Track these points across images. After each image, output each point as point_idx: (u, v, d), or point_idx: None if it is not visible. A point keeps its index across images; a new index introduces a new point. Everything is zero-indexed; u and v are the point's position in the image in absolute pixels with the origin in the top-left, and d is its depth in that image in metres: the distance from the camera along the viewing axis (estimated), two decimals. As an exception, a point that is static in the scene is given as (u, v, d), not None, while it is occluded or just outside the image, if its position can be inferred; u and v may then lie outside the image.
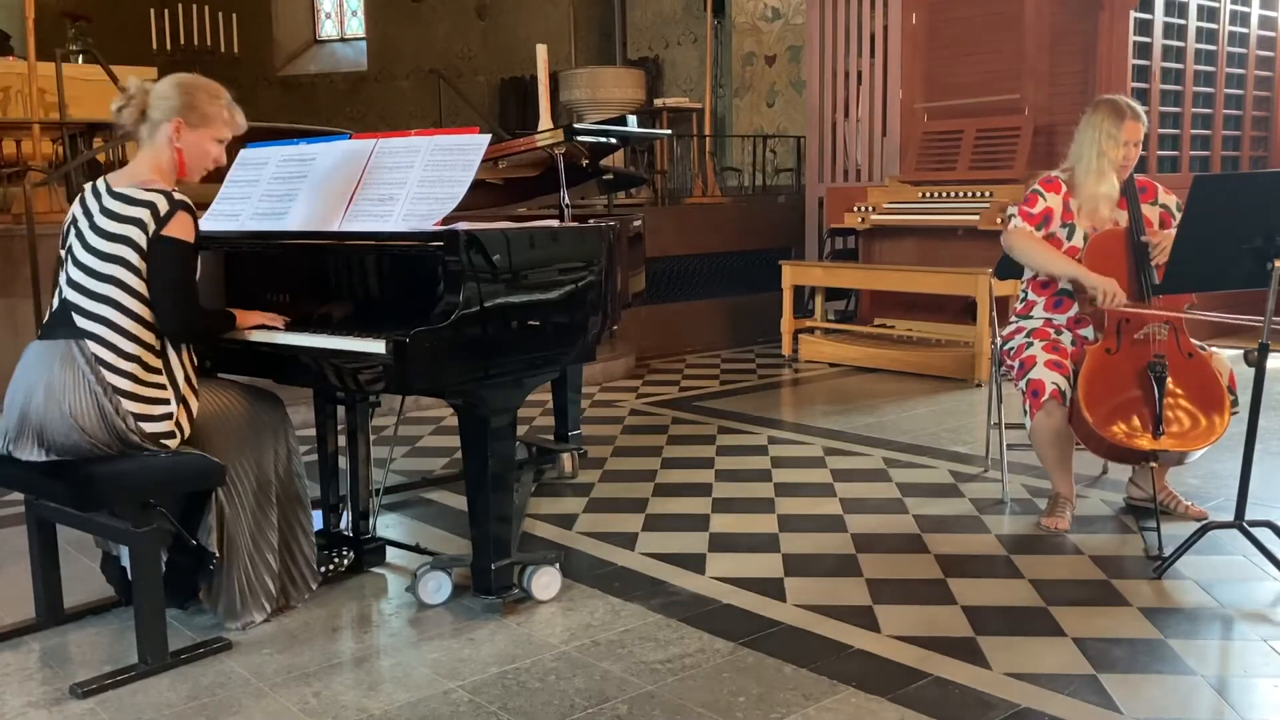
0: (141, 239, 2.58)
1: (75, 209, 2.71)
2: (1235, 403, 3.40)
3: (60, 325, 2.62)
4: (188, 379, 2.70)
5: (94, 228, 2.63)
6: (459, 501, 3.83)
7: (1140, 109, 3.55)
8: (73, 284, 2.62)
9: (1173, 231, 3.49)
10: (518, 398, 2.89)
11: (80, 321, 2.59)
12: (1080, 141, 3.56)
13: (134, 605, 2.61)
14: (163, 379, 2.64)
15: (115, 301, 2.58)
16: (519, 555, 3.04)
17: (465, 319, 2.61)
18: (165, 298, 2.61)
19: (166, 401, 2.63)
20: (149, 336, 2.62)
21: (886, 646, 2.65)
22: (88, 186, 2.72)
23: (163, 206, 2.59)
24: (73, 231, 2.68)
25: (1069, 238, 3.57)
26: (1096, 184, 3.52)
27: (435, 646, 2.71)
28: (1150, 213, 3.57)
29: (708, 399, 5.85)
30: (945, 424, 5.06)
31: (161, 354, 2.64)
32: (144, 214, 2.59)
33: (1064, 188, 3.60)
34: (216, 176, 3.00)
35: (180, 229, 2.61)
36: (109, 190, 2.66)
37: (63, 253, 2.69)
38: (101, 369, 2.56)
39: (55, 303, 2.68)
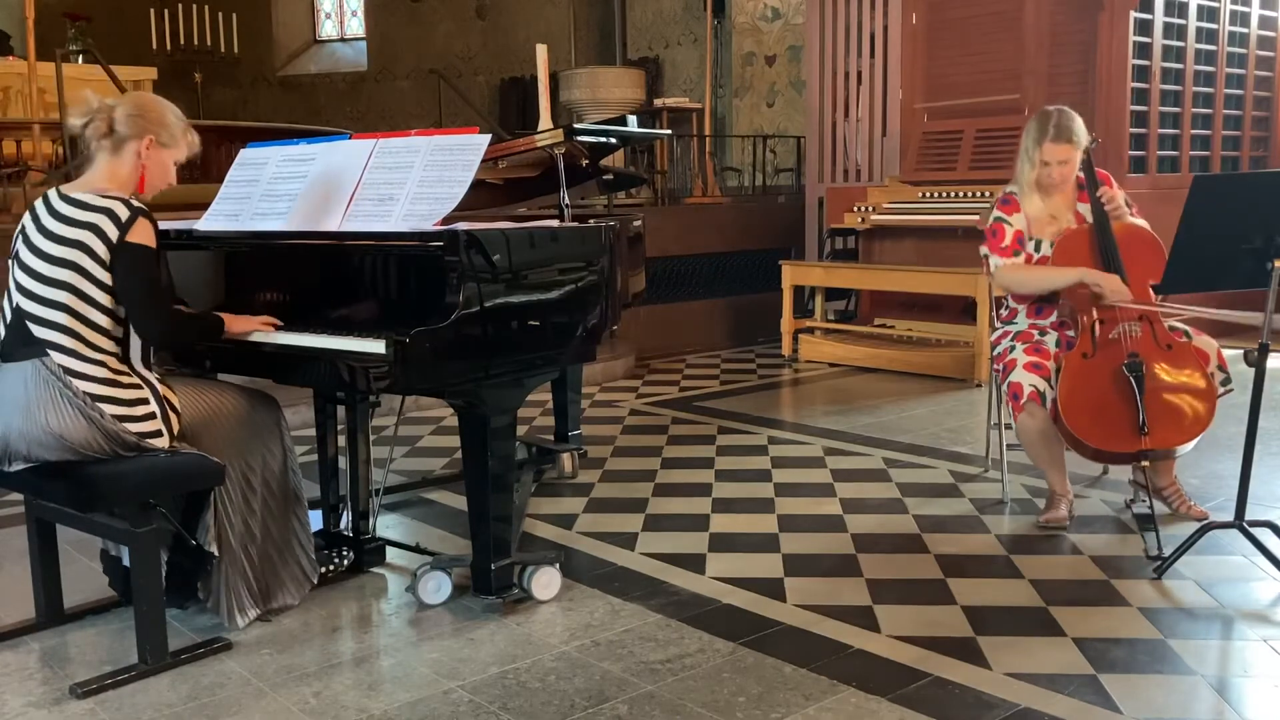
0: (99, 246, 2.53)
1: (25, 218, 2.66)
2: (1227, 380, 3.39)
3: (19, 344, 2.56)
4: (160, 379, 2.68)
5: (44, 231, 2.57)
6: (459, 501, 3.83)
7: (1069, 126, 3.45)
8: (23, 291, 2.57)
9: (1119, 194, 3.51)
10: (518, 398, 2.89)
11: (38, 331, 2.54)
12: (1019, 157, 3.58)
13: (134, 605, 2.61)
14: (135, 379, 2.61)
15: (69, 308, 2.53)
16: (519, 555, 3.04)
17: (465, 319, 2.61)
18: (136, 306, 2.58)
19: (146, 401, 2.60)
20: (109, 342, 2.58)
21: (886, 646, 2.65)
22: (39, 199, 2.67)
23: (123, 213, 2.55)
24: (20, 238, 2.63)
25: (1037, 250, 3.57)
26: (1032, 201, 3.55)
27: (435, 646, 2.71)
28: (1085, 210, 3.57)
29: (708, 399, 5.85)
30: (945, 424, 5.06)
31: (125, 358, 2.61)
32: (102, 220, 2.54)
33: (1020, 203, 3.60)
34: (217, 177, 3.00)
35: (143, 235, 2.56)
36: (61, 196, 2.61)
37: (10, 261, 2.63)
38: (72, 379, 2.52)
39: (9, 315, 2.61)
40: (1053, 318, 3.62)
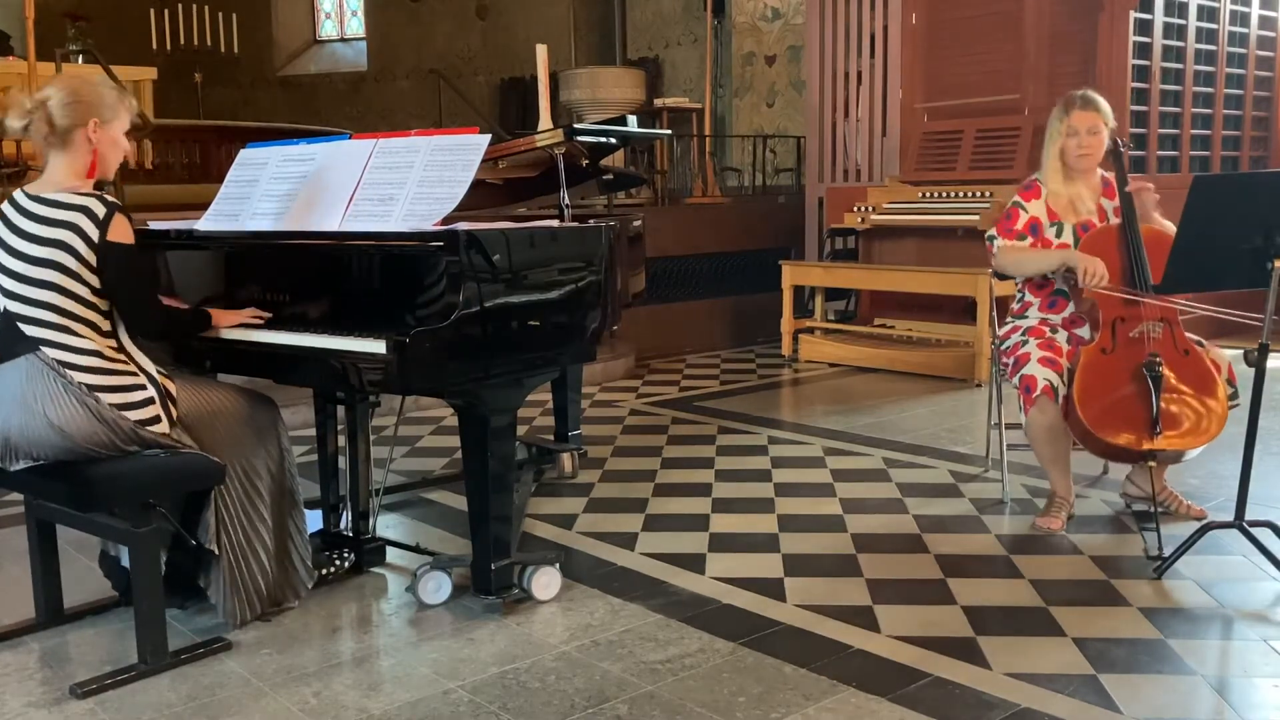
0: (81, 244, 2.53)
1: None
2: (1235, 395, 3.40)
3: (12, 342, 2.57)
4: (159, 370, 2.68)
5: (21, 234, 2.57)
6: (459, 501, 3.83)
7: (1096, 98, 3.55)
8: (7, 294, 2.58)
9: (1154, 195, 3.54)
10: (518, 398, 2.89)
11: (29, 330, 2.55)
12: (1044, 140, 3.62)
13: (134, 605, 2.62)
14: (130, 367, 2.61)
15: (54, 306, 2.54)
16: (519, 555, 3.04)
17: (465, 319, 2.61)
18: (128, 305, 2.60)
19: (143, 387, 2.61)
20: (99, 335, 2.59)
21: (886, 646, 2.65)
22: (4, 202, 2.66)
23: (99, 210, 2.55)
24: None
25: (1059, 235, 3.59)
26: (1055, 180, 3.58)
27: (435, 646, 2.71)
28: (1108, 206, 3.62)
29: (708, 399, 5.85)
30: (945, 424, 5.06)
31: (119, 348, 2.62)
32: (80, 219, 2.54)
33: (1043, 190, 3.62)
34: (217, 177, 2.99)
35: (122, 232, 2.57)
36: (30, 196, 2.61)
37: None
38: (68, 371, 2.53)
39: None
40: (1065, 313, 3.62)
